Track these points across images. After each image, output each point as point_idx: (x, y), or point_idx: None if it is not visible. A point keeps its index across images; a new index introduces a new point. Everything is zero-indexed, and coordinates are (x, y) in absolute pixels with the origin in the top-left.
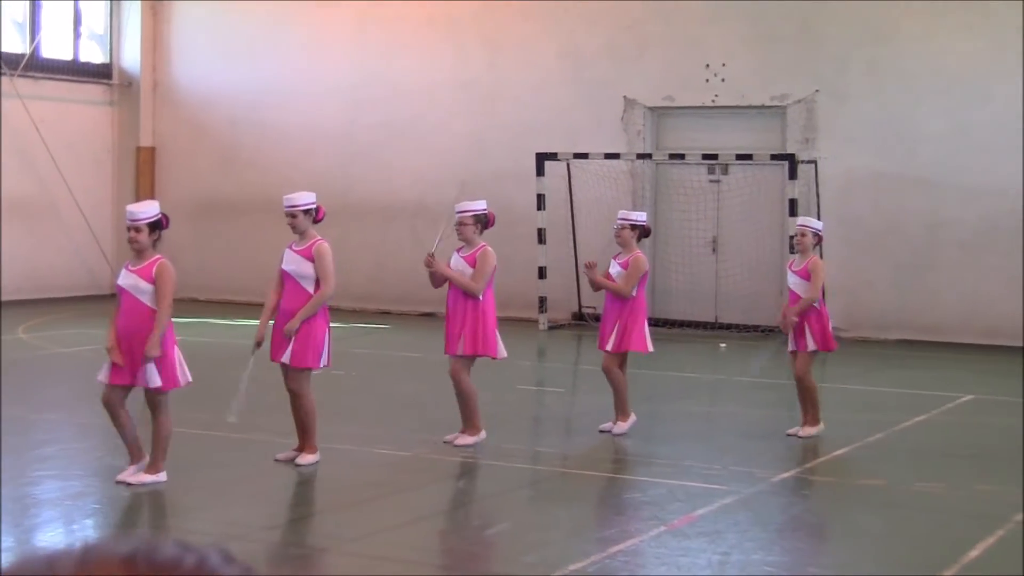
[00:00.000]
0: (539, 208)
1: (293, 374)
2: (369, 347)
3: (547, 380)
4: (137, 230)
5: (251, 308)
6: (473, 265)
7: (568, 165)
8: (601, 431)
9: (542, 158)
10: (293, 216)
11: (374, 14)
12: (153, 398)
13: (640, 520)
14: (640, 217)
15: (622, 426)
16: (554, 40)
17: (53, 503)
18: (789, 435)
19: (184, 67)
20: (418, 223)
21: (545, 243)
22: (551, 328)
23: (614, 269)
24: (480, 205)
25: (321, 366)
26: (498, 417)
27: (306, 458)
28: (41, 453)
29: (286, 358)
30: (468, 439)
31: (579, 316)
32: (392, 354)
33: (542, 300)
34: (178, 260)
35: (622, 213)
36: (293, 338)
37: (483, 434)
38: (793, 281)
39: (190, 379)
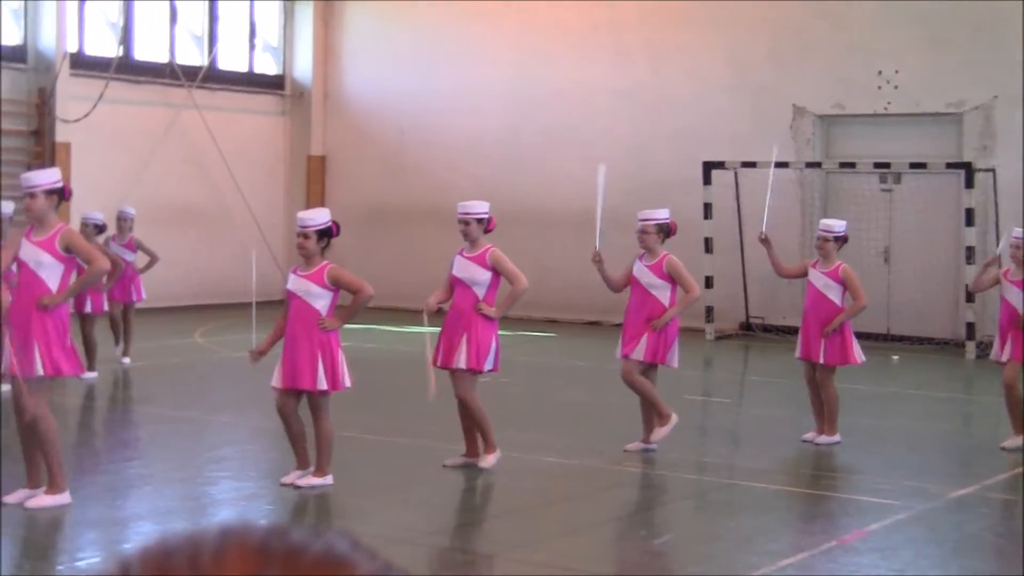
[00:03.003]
0: (706, 217)
1: (461, 378)
2: (534, 355)
3: (714, 391)
4: (306, 236)
5: (417, 315)
6: (659, 274)
7: (735, 174)
8: (804, 440)
9: (709, 166)
10: (466, 224)
11: (538, 21)
12: (316, 401)
13: (810, 534)
14: (841, 228)
15: (826, 439)
16: (719, 46)
17: (229, 503)
18: (1002, 448)
19: (353, 77)
20: (581, 231)
21: (712, 252)
22: (718, 338)
23: (820, 281)
24: (663, 214)
25: (486, 370)
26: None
27: (488, 460)
28: (217, 454)
29: (459, 363)
30: (662, 430)
31: (747, 326)
32: (557, 362)
33: (709, 310)
34: (345, 266)
35: (824, 224)
36: (464, 343)
37: (675, 418)
38: (1011, 293)
39: (349, 384)
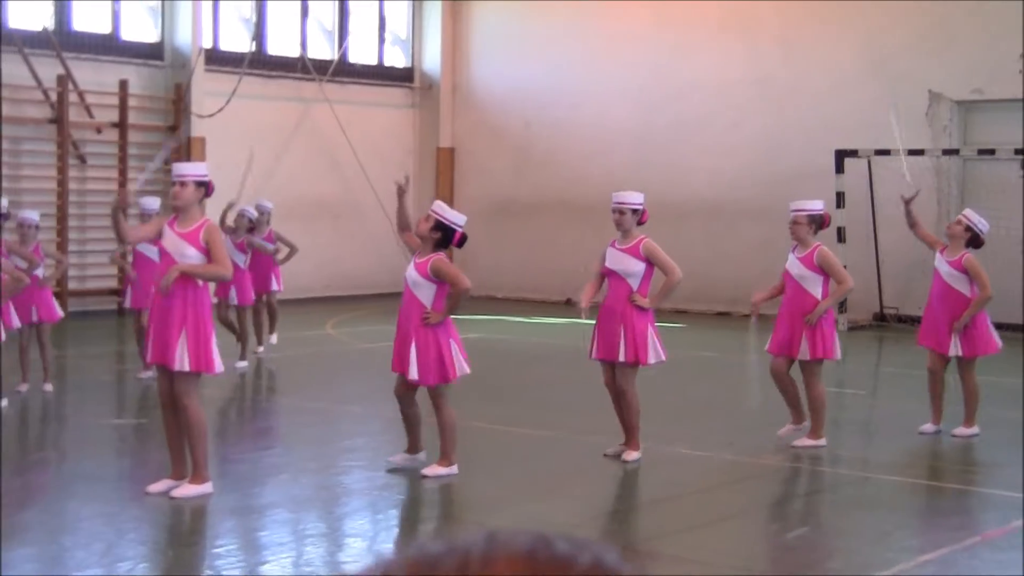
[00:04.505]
0: (838, 206)
1: (622, 371)
2: (665, 345)
3: (847, 382)
4: (427, 219)
5: (546, 306)
6: (810, 266)
7: (869, 162)
8: (955, 435)
9: (842, 155)
10: (621, 213)
11: (668, 14)
12: (432, 391)
13: (950, 529)
14: (983, 226)
15: (964, 431)
16: (854, 34)
17: (361, 493)
18: None
19: (482, 70)
20: (713, 223)
21: (845, 242)
22: (851, 329)
23: (944, 268)
24: (817, 205)
25: (653, 362)
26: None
27: (632, 454)
28: (349, 444)
29: (620, 356)
30: (808, 442)
31: (880, 317)
32: (687, 353)
33: (842, 300)
34: (475, 258)
35: (967, 212)
36: (623, 336)
37: (823, 440)
38: None
39: (467, 370)
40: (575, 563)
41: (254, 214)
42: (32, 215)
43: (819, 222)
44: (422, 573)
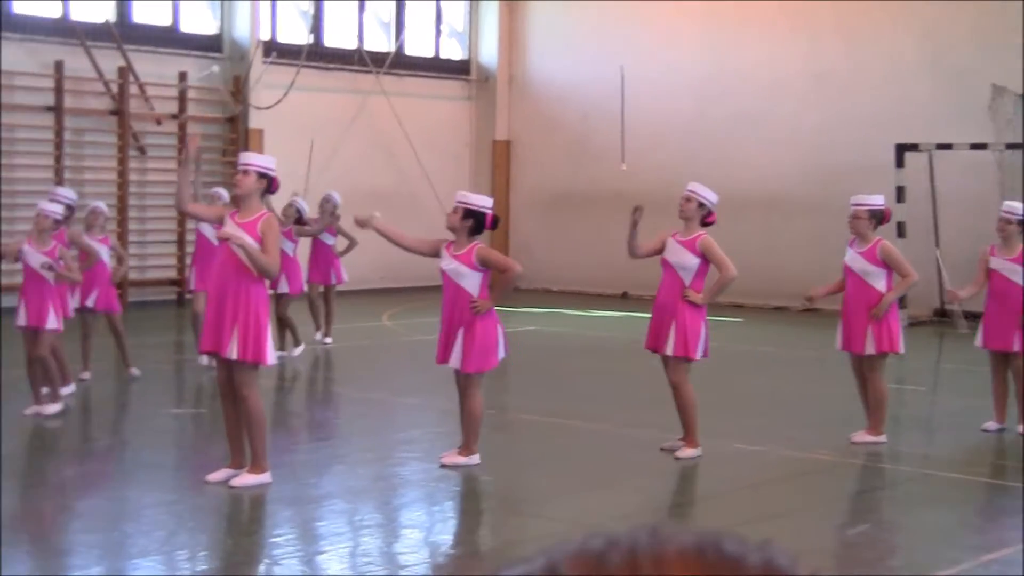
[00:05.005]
0: (898, 200)
1: (672, 364)
2: (721, 340)
3: (907, 378)
4: (454, 211)
5: (602, 299)
6: (872, 260)
7: (930, 156)
8: (985, 430)
9: (902, 149)
10: (687, 200)
11: (726, 7)
12: (470, 378)
13: (1013, 528)
14: None
15: None
16: (915, 27)
17: (418, 484)
18: None
19: (538, 62)
20: (771, 216)
21: (905, 236)
22: (911, 325)
23: (1004, 268)
24: (878, 200)
25: (698, 357)
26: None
27: (685, 452)
28: (406, 436)
29: (668, 350)
30: (868, 438)
31: (941, 313)
32: (744, 348)
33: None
34: (531, 251)
35: (1007, 205)
36: (673, 330)
37: (883, 436)
38: None
39: (499, 358)
40: (745, 562)
41: (303, 205)
42: (103, 205)
43: (879, 217)
44: (591, 572)
